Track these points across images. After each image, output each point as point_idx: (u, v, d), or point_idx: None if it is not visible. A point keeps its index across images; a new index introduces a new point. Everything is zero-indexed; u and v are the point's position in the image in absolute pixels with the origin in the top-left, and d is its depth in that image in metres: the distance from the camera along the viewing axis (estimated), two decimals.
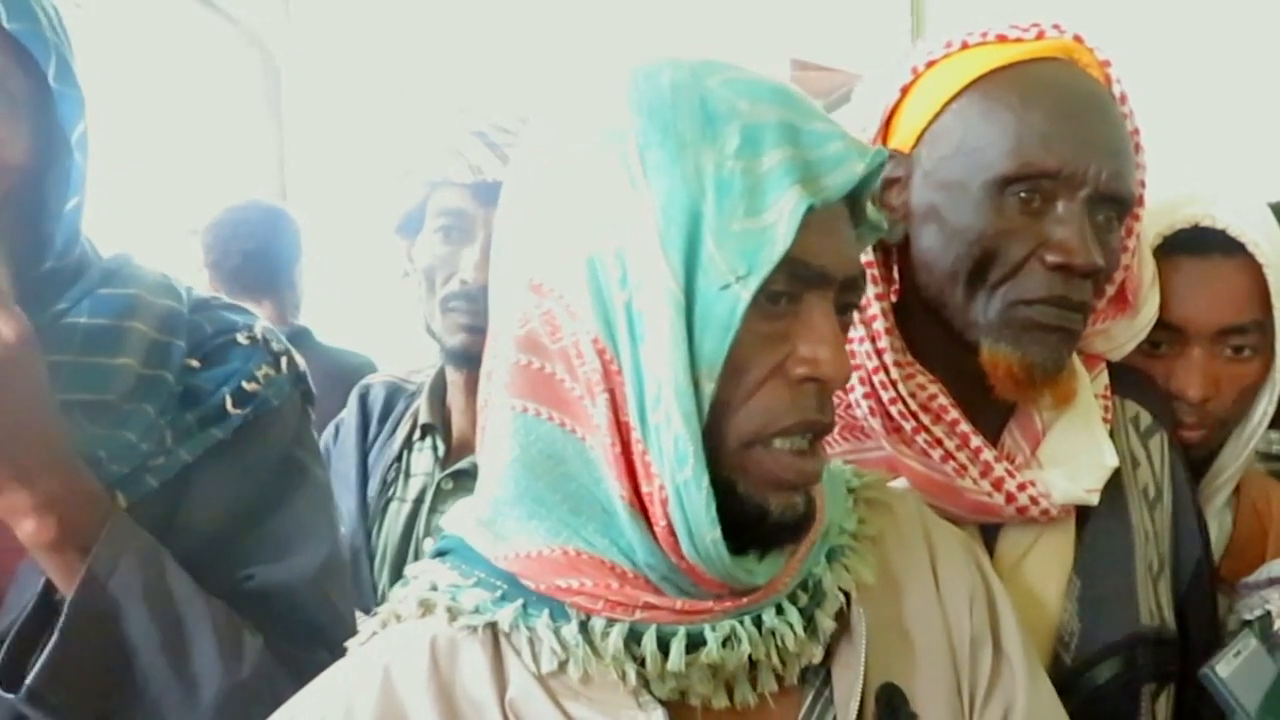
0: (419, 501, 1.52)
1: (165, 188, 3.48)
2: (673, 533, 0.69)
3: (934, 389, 1.03)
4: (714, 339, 0.66)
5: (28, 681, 0.84)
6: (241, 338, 1.01)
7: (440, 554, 0.79)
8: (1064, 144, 0.96)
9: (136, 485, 0.93)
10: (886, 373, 1.02)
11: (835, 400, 1.05)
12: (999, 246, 0.97)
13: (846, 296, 0.73)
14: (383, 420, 1.61)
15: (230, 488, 0.98)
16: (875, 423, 1.03)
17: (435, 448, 1.54)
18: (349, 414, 1.64)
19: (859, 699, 0.75)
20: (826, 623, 0.76)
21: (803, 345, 0.70)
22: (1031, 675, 0.84)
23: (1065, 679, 1.00)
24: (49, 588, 0.89)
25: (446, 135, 1.42)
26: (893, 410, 1.02)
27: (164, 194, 3.44)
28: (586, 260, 0.68)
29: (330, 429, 1.66)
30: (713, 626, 0.71)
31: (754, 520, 0.71)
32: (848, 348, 1.02)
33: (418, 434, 1.57)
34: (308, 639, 0.98)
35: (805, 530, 0.75)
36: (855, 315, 1.02)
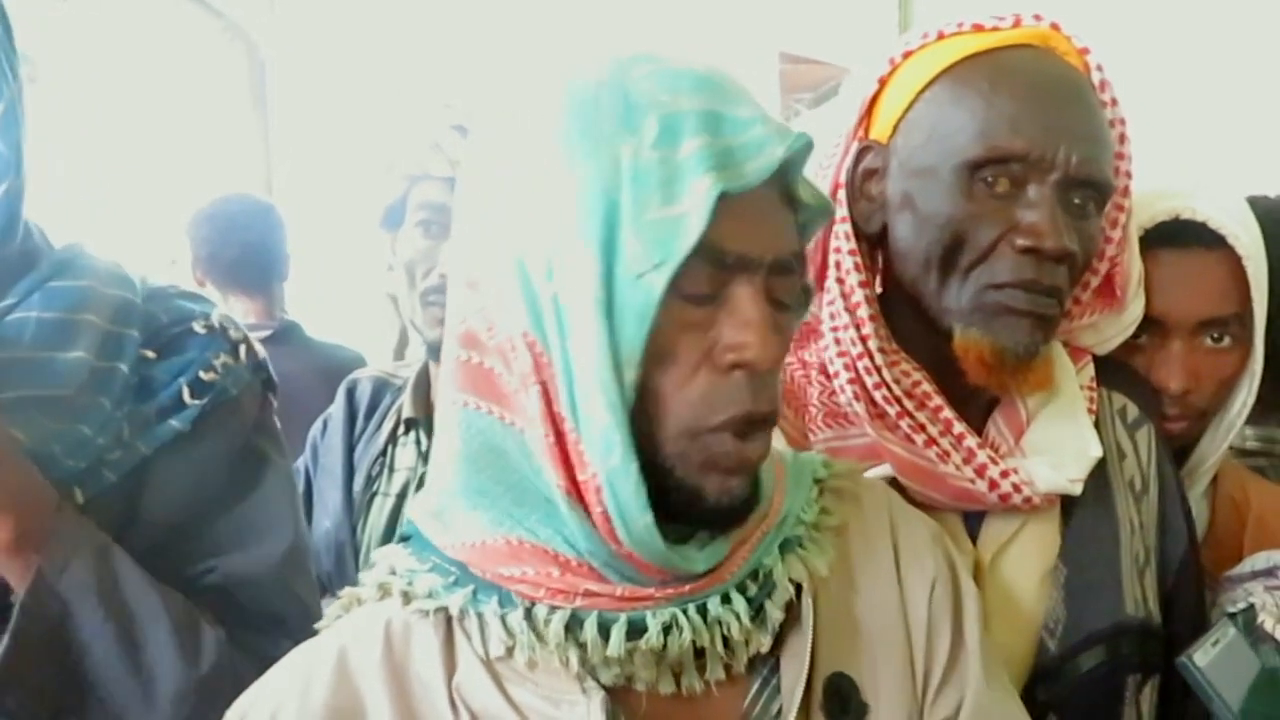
0: (402, 496, 1.52)
1: (150, 181, 3.47)
2: (609, 519, 0.69)
3: (918, 376, 1.04)
4: (632, 328, 0.67)
5: None
6: (199, 326, 1.00)
7: (405, 539, 0.81)
8: (1032, 127, 0.95)
9: (94, 480, 0.92)
10: (871, 359, 1.02)
11: (819, 386, 1.05)
12: (968, 231, 0.97)
13: (780, 281, 0.72)
14: (369, 415, 1.62)
15: (190, 479, 0.97)
16: (859, 407, 1.03)
17: (419, 442, 1.54)
18: (336, 408, 1.64)
19: (804, 687, 0.75)
20: (775, 613, 0.76)
21: (728, 331, 0.69)
22: (987, 672, 0.84)
23: (1050, 666, 1.01)
24: (4, 589, 0.88)
25: (427, 129, 1.42)
26: (877, 395, 1.02)
27: (149, 187, 3.43)
28: (515, 256, 0.70)
29: (318, 423, 1.66)
30: (654, 613, 0.72)
31: (690, 505, 0.71)
32: (833, 335, 1.04)
33: (402, 428, 1.57)
34: (272, 628, 0.98)
35: (745, 516, 0.75)
36: (840, 304, 1.04)
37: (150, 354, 0.97)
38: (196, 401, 0.97)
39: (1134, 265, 1.14)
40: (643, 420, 0.69)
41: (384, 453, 1.57)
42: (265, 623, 0.98)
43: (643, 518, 0.68)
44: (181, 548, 0.97)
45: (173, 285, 1.04)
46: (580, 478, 0.69)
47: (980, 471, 1.02)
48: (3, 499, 0.84)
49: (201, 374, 0.97)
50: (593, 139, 0.68)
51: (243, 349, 1.03)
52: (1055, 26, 1.03)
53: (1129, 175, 1.07)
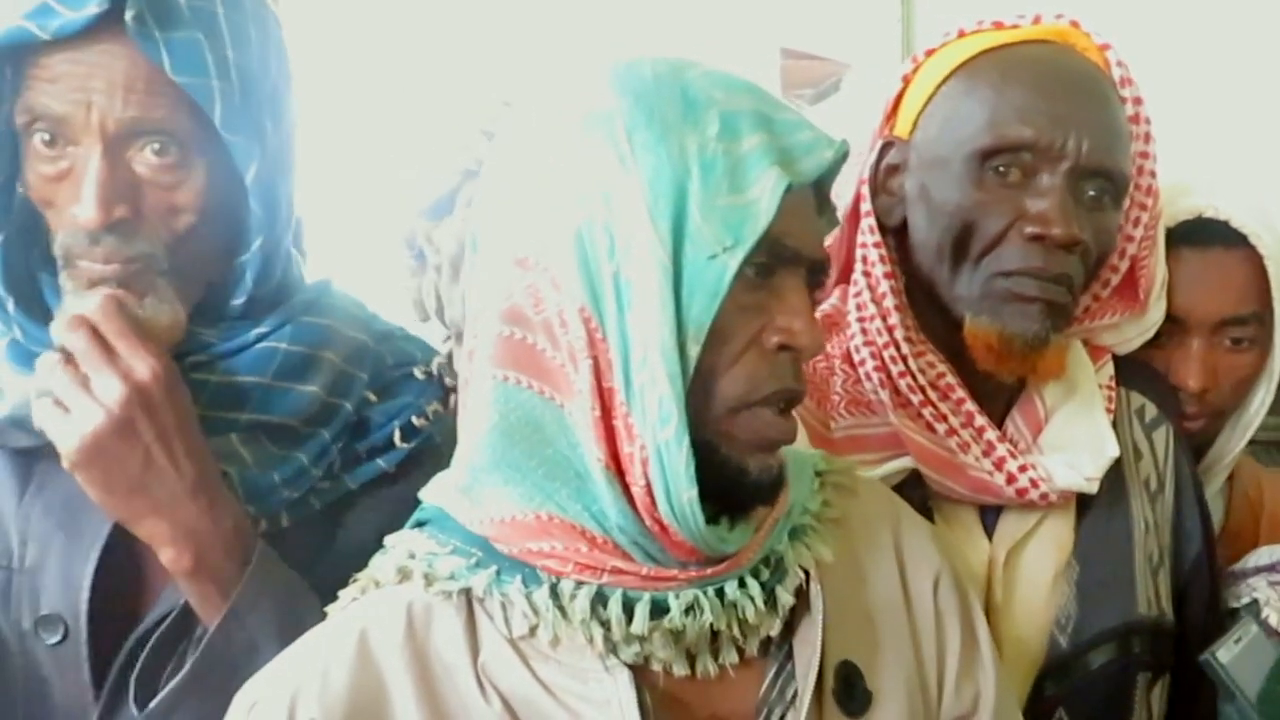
0: None
1: None
2: (650, 494, 0.71)
3: (943, 368, 1.05)
4: (701, 305, 0.70)
5: (150, 706, 0.86)
6: (418, 372, 1.04)
7: (418, 524, 0.82)
8: (1040, 116, 0.97)
9: (302, 506, 0.96)
10: (897, 348, 1.04)
11: (842, 376, 1.08)
12: (978, 219, 0.98)
13: (814, 279, 0.77)
14: None
15: (387, 516, 0.98)
16: (884, 394, 1.04)
17: None
18: None
19: (817, 673, 0.77)
20: (786, 598, 0.78)
21: (779, 317, 0.73)
22: (995, 666, 0.87)
23: (1061, 661, 1.02)
24: (185, 609, 0.90)
25: (483, 127, 1.42)
26: (901, 384, 1.04)
27: None
28: (574, 234, 0.71)
29: None
30: (676, 594, 0.73)
31: (732, 483, 0.74)
32: (859, 324, 1.06)
33: None
34: None
35: (778, 493, 0.78)
36: (867, 295, 1.05)
37: (372, 396, 1.00)
38: (405, 445, 1.00)
39: (1159, 269, 1.15)
40: (693, 396, 0.71)
41: None
42: None
43: (688, 491, 0.70)
44: None
45: (400, 328, 1.08)
46: (626, 450, 0.71)
47: (999, 465, 1.03)
48: (183, 530, 0.86)
49: (414, 419, 1.01)
50: (659, 128, 0.71)
51: (453, 398, 1.04)
52: (1075, 24, 1.05)
53: (1153, 175, 1.07)
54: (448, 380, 1.04)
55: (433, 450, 1.01)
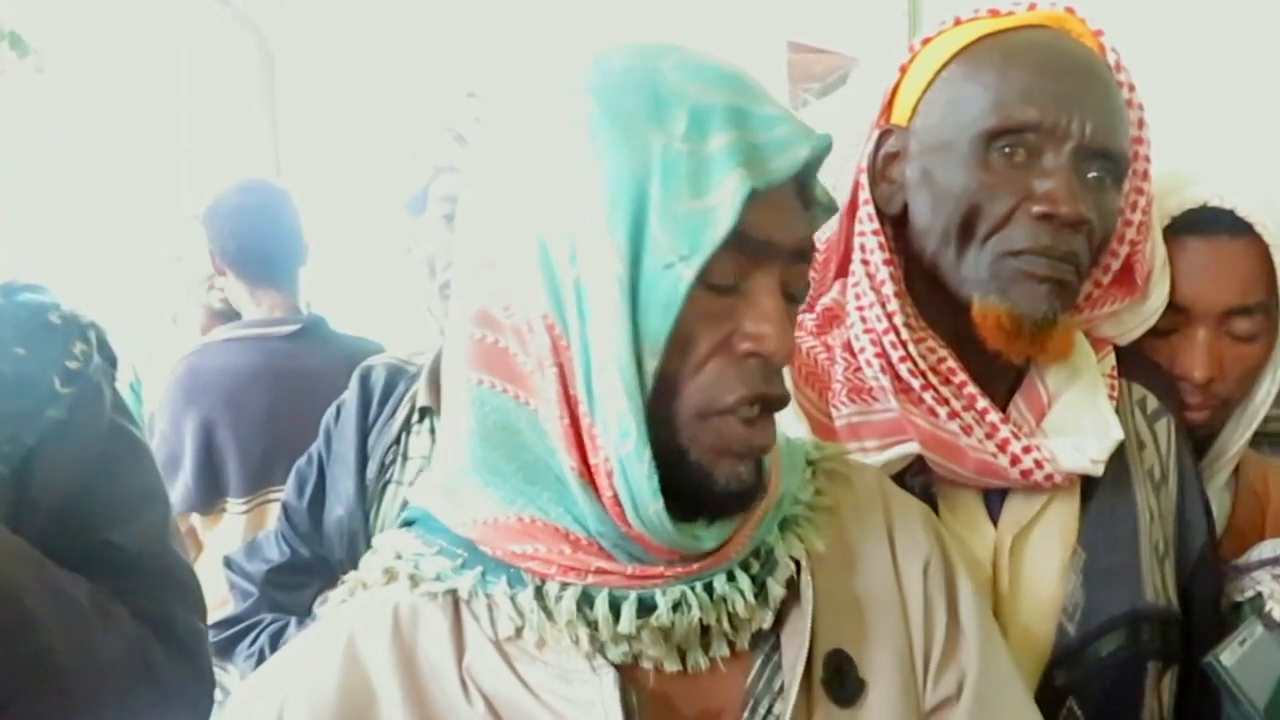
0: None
1: (161, 172, 3.47)
2: (619, 503, 0.70)
3: (944, 353, 1.04)
4: (657, 317, 0.68)
5: None
6: (54, 318, 1.05)
7: (407, 524, 0.81)
8: (1044, 97, 0.97)
9: None
10: (897, 334, 1.03)
11: (844, 363, 1.07)
12: (985, 200, 0.98)
13: (796, 270, 0.74)
14: (383, 402, 1.60)
15: (71, 461, 1.02)
16: (885, 380, 1.03)
17: (433, 431, 1.53)
18: (350, 395, 1.62)
19: (804, 663, 0.76)
20: (777, 590, 0.77)
21: (747, 322, 0.71)
22: (986, 646, 0.85)
23: (1070, 650, 1.02)
24: None
25: (452, 120, 1.41)
26: (902, 369, 1.03)
27: (160, 178, 3.43)
28: (537, 238, 0.70)
29: (331, 410, 1.65)
30: (663, 591, 0.73)
31: (701, 490, 0.72)
32: (858, 314, 1.05)
33: (416, 416, 1.56)
34: (170, 592, 1.05)
35: (752, 500, 0.76)
36: (866, 283, 1.04)
37: (20, 351, 1.01)
38: (67, 390, 1.02)
39: (1156, 254, 1.15)
40: (657, 406, 0.70)
41: (398, 441, 1.56)
42: (163, 587, 1.05)
43: (654, 504, 0.69)
44: (72, 528, 1.02)
45: (11, 281, 1.08)
46: (592, 461, 0.70)
47: (1003, 446, 1.02)
48: None
49: (67, 364, 1.03)
50: (622, 128, 0.69)
51: (92, 333, 1.07)
52: (1070, 10, 1.05)
53: (1148, 159, 1.08)
54: (81, 319, 1.06)
55: (93, 388, 1.05)
